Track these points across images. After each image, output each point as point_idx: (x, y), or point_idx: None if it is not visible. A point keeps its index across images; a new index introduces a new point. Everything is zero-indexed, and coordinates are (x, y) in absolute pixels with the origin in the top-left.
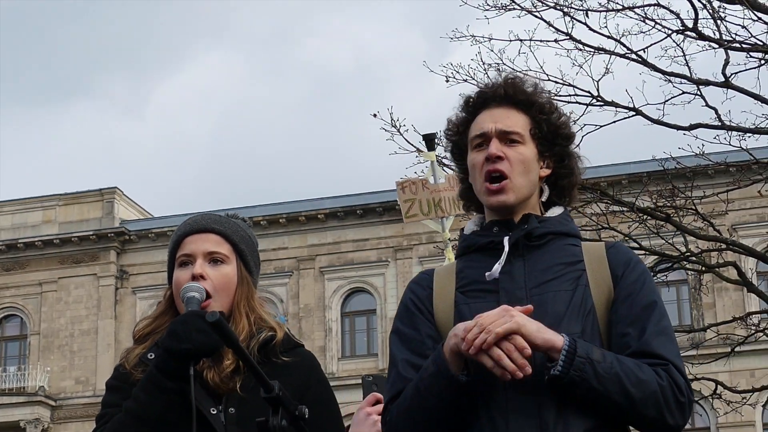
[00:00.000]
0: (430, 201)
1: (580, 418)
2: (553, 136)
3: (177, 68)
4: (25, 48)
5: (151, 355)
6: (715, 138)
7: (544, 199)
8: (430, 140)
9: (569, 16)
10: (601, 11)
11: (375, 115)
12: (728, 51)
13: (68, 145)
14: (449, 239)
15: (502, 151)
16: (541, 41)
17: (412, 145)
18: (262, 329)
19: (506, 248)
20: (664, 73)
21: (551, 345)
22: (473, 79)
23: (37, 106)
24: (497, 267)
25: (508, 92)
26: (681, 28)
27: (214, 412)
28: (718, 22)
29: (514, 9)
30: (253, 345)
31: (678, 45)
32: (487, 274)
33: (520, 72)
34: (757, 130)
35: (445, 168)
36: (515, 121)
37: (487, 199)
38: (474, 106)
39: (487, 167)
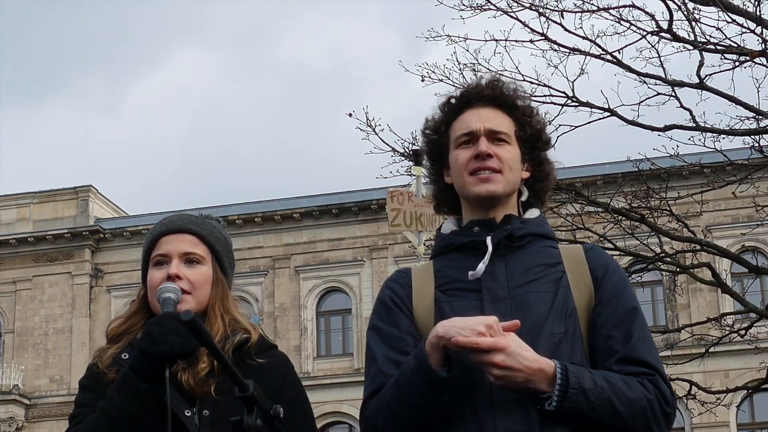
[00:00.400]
0: (413, 214)
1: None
2: (534, 139)
3: (153, 67)
4: (0, 46)
5: (125, 356)
6: (689, 139)
7: (523, 199)
8: (419, 155)
9: (544, 16)
10: (576, 12)
11: (350, 115)
12: (703, 52)
13: (43, 143)
14: (423, 254)
15: (491, 149)
16: (516, 41)
17: (387, 144)
18: (237, 331)
19: (490, 248)
20: (638, 74)
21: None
22: (449, 79)
23: (12, 105)
24: (482, 266)
25: (495, 93)
26: (656, 29)
27: (189, 414)
28: (693, 23)
29: (490, 9)
30: (228, 347)
31: (653, 46)
32: (470, 273)
33: (496, 73)
34: (732, 132)
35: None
36: (502, 121)
37: (476, 189)
38: (457, 105)
39: (475, 164)
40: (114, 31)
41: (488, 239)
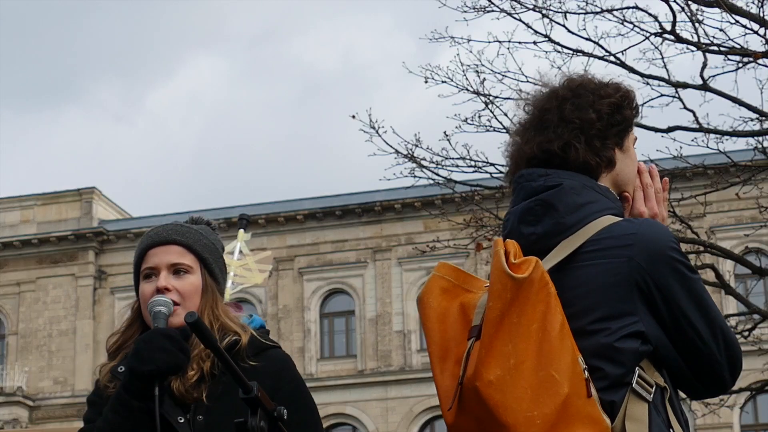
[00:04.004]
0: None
1: None
2: None
3: (170, 75)
4: (19, 54)
5: (121, 368)
6: (693, 140)
7: None
8: (245, 220)
9: (548, 18)
10: (579, 13)
11: (354, 117)
12: (706, 54)
13: (57, 150)
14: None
15: None
16: (519, 43)
17: (390, 146)
18: (227, 335)
19: None
20: (642, 75)
21: None
22: (451, 80)
23: (28, 112)
24: None
25: None
26: (659, 30)
27: (182, 421)
28: (696, 24)
29: (493, 11)
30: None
31: (656, 47)
32: None
33: (499, 74)
34: (735, 133)
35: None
36: None
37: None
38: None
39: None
40: (131, 42)
41: None
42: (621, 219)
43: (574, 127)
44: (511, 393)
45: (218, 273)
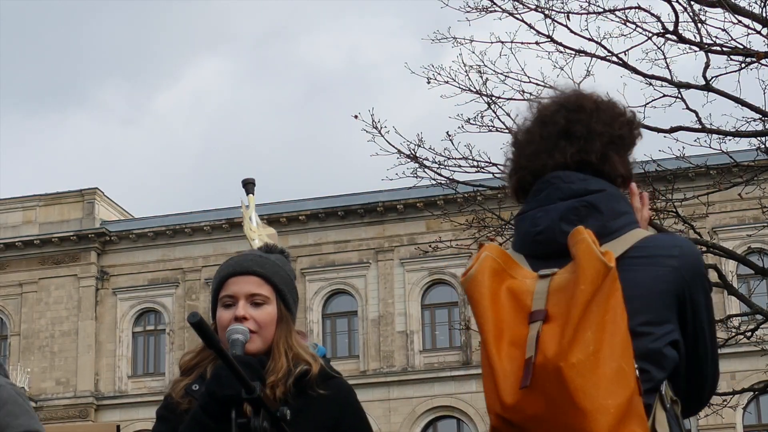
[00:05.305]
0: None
1: None
2: None
3: (176, 78)
4: (25, 58)
5: (195, 386)
6: (695, 141)
7: None
8: (249, 184)
9: (550, 18)
10: (582, 14)
11: (356, 117)
12: (709, 54)
13: (61, 153)
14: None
15: None
16: (522, 43)
17: (392, 146)
18: (299, 364)
19: None
20: (644, 75)
21: None
22: (454, 81)
23: (35, 116)
24: None
25: None
26: (662, 31)
27: None
28: (699, 25)
29: (495, 11)
30: (290, 382)
31: (659, 48)
32: None
33: (501, 74)
34: (738, 133)
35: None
36: None
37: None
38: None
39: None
40: (138, 44)
41: None
42: (656, 233)
43: (605, 141)
44: (590, 379)
45: (292, 304)
